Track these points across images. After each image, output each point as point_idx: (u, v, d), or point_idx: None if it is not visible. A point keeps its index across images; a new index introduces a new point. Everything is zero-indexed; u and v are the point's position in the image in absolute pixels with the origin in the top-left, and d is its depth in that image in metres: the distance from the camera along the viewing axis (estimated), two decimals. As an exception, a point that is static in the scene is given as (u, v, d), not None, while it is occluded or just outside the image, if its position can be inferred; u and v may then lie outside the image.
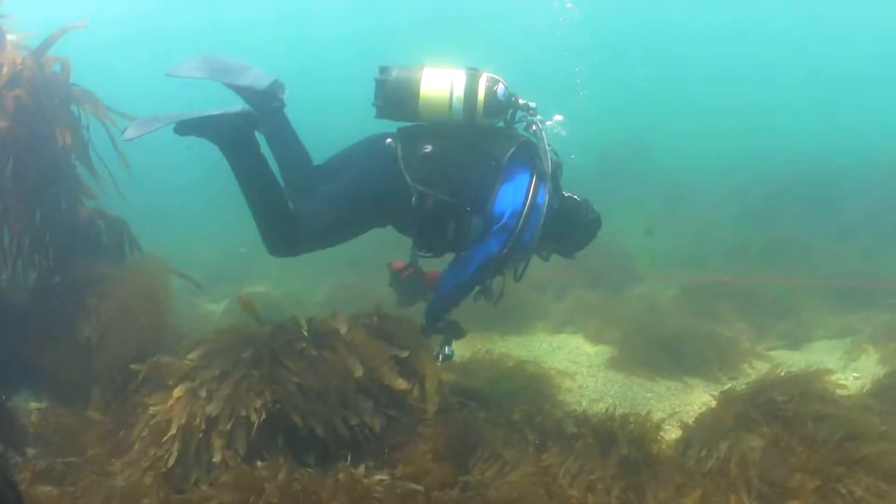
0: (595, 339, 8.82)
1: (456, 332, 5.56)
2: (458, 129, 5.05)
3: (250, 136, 4.77)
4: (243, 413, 4.02)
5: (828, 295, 10.29)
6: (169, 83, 5.21)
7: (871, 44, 40.47)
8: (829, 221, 13.96)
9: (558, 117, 5.51)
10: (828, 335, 9.09)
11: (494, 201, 4.96)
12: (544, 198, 5.01)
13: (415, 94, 4.94)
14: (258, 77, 5.13)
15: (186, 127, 4.58)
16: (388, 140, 5.06)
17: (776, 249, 12.25)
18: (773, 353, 8.19)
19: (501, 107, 5.07)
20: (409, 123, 5.22)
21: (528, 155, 5.10)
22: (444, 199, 4.92)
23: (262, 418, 4.02)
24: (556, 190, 5.26)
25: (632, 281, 11.21)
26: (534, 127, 5.14)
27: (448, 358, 5.50)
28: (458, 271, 5.15)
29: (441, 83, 4.94)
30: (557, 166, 5.23)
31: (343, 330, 4.62)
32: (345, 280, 10.82)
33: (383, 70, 5.02)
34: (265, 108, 5.15)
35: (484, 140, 5.06)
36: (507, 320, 9.11)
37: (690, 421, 5.53)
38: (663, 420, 5.49)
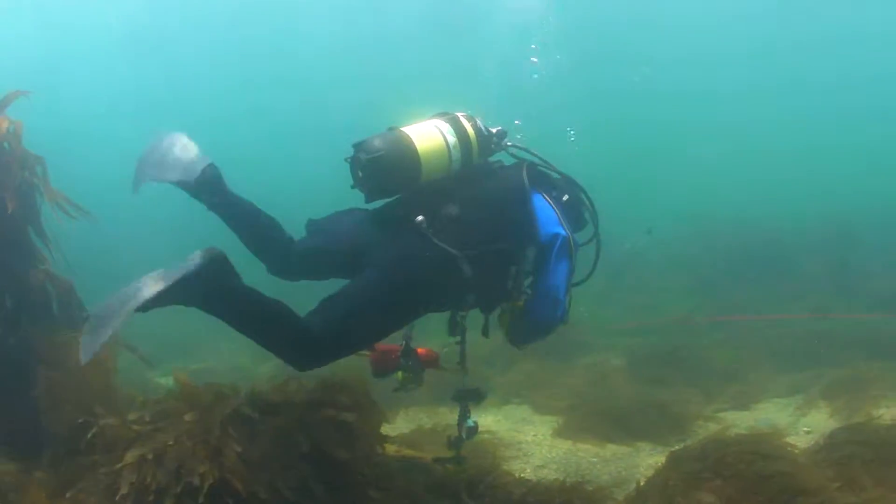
0: (542, 409, 8.92)
1: (477, 397, 5.48)
2: (458, 179, 4.76)
3: (223, 279, 4.16)
4: (189, 479, 4.04)
5: (776, 356, 10.45)
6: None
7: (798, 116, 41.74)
8: (778, 286, 14.18)
9: (516, 122, 5.48)
10: (778, 394, 9.22)
11: (539, 225, 4.74)
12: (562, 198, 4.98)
13: (414, 157, 4.49)
14: (188, 168, 4.79)
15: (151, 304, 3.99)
16: (419, 218, 4.50)
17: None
18: (722, 415, 8.31)
19: (490, 140, 4.88)
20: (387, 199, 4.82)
21: (533, 169, 4.99)
22: (500, 248, 4.64)
23: (209, 483, 4.03)
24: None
25: (580, 350, 11.21)
26: (510, 143, 5.03)
27: (473, 431, 5.44)
28: (550, 304, 4.85)
29: (432, 136, 4.58)
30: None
31: (286, 398, 4.67)
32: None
33: (361, 145, 4.51)
34: (208, 200, 4.81)
35: (490, 176, 4.90)
36: (450, 392, 9.06)
37: (640, 482, 5.56)
38: (611, 483, 5.46)
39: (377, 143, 4.44)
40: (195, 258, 3.99)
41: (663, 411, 7.94)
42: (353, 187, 4.59)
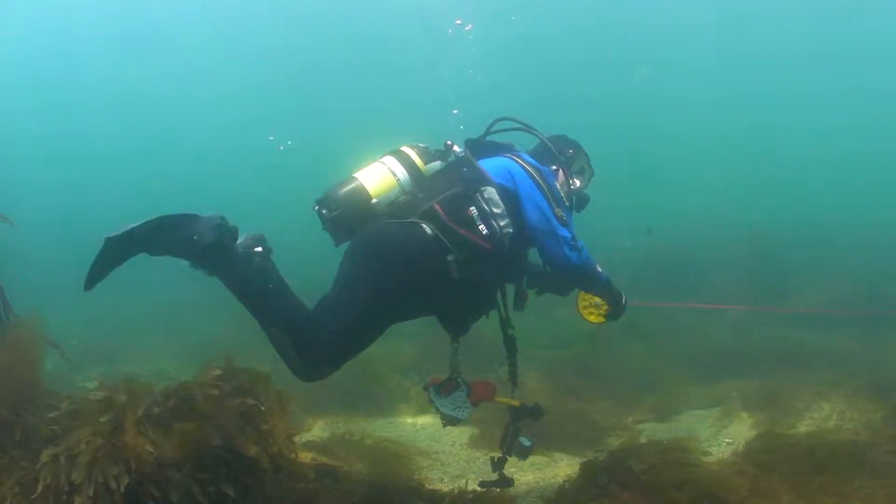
0: (458, 419, 8.79)
1: (536, 413, 5.65)
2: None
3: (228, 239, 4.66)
4: (101, 480, 4.12)
5: (698, 368, 10.60)
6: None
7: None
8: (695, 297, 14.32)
9: (454, 111, 5.78)
10: (699, 405, 9.39)
11: (487, 171, 5.14)
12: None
13: (367, 204, 5.05)
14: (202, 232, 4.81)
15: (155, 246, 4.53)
16: (424, 228, 4.92)
17: (644, 327, 12.45)
18: (641, 426, 8.43)
19: (437, 157, 5.34)
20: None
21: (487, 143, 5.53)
22: (453, 194, 5.01)
23: (124, 484, 4.11)
24: None
25: (500, 360, 11.25)
26: (459, 150, 5.38)
27: (527, 450, 5.61)
28: (549, 240, 5.12)
29: (383, 179, 5.13)
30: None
31: (198, 396, 4.71)
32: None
33: (323, 201, 5.09)
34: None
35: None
36: (370, 401, 9.27)
37: (553, 494, 5.64)
38: (528, 492, 5.51)
39: (336, 198, 5.04)
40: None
41: (582, 422, 8.03)
42: (323, 229, 5.14)
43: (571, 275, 5.34)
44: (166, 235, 4.51)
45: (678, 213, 24.25)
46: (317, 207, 5.09)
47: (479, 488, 5.53)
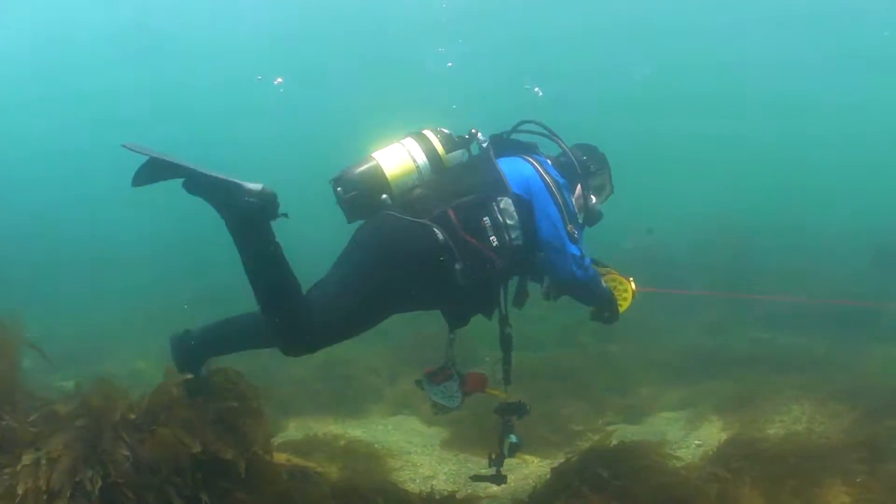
0: (430, 420, 9.06)
1: (520, 411, 5.70)
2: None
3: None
4: (79, 479, 4.17)
5: (668, 369, 10.76)
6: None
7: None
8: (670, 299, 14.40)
9: (454, 106, 5.76)
10: (670, 408, 9.52)
11: (506, 178, 5.10)
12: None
13: (384, 187, 5.01)
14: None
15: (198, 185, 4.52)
16: (437, 232, 4.86)
17: (616, 329, 12.50)
18: (612, 428, 8.33)
19: (459, 145, 5.30)
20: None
21: (509, 140, 5.46)
22: (470, 201, 4.96)
23: (98, 487, 4.15)
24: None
25: (470, 362, 11.30)
26: (480, 136, 5.37)
27: (516, 447, 5.61)
28: (556, 256, 5.11)
29: (401, 161, 5.07)
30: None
31: (174, 399, 4.78)
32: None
33: (338, 180, 5.07)
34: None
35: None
36: (343, 403, 9.33)
37: (524, 496, 5.77)
38: (500, 494, 5.59)
39: (352, 178, 5.02)
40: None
41: (553, 425, 8.11)
42: (337, 204, 5.11)
43: (573, 291, 5.34)
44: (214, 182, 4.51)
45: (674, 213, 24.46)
46: (332, 183, 5.09)
47: (447, 490, 5.60)
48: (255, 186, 4.47)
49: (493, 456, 5.71)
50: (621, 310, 5.64)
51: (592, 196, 5.55)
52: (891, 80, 39.53)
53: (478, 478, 5.79)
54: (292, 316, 4.66)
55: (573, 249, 5.05)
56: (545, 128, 5.48)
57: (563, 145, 5.47)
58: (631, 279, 5.66)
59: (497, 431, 5.71)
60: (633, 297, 5.65)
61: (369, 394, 10.06)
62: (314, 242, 9.17)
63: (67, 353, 11.41)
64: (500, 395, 5.66)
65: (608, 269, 5.69)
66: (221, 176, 4.45)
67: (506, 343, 5.61)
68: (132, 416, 4.60)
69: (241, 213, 4.48)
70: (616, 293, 5.61)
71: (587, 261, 5.18)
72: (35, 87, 42.33)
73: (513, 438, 5.58)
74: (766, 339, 12.20)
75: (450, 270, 4.78)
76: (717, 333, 12.75)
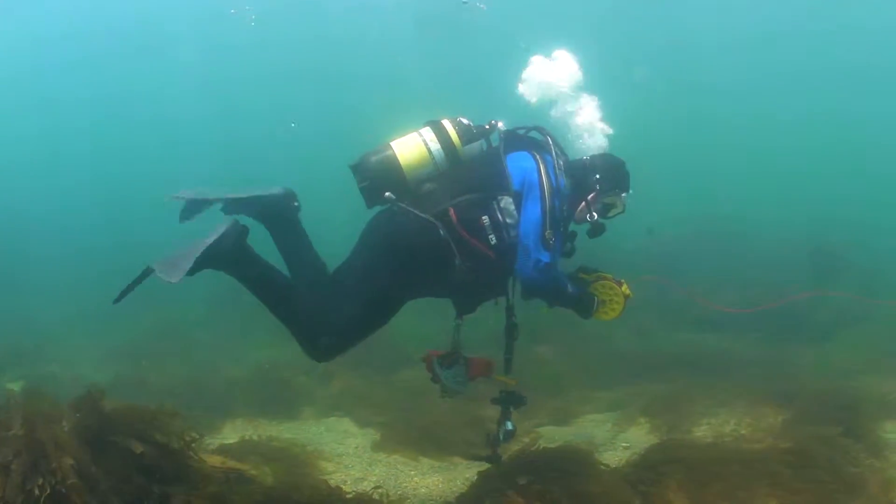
0: (362, 422, 9.30)
1: (517, 401, 5.83)
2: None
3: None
4: (28, 487, 4.28)
5: (598, 372, 10.92)
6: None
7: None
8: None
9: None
10: (598, 410, 9.68)
11: (509, 175, 5.28)
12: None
13: (399, 175, 5.26)
14: (267, 187, 5.56)
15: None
16: (439, 229, 5.16)
17: (548, 332, 12.59)
18: (540, 430, 8.65)
19: (477, 135, 5.46)
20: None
21: (519, 137, 5.61)
22: (472, 199, 5.21)
23: (46, 494, 4.25)
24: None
25: (402, 363, 11.43)
26: (500, 125, 5.53)
27: (510, 434, 5.78)
28: (523, 257, 5.23)
29: (416, 150, 5.29)
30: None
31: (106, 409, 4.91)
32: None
33: (356, 168, 5.37)
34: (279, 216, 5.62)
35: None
36: (275, 405, 9.44)
37: (452, 498, 5.98)
38: (428, 497, 5.73)
39: (368, 166, 5.31)
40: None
41: (482, 427, 8.24)
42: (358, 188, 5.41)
43: (532, 292, 5.42)
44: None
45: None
46: (352, 169, 5.40)
47: (378, 493, 5.74)
48: (276, 190, 5.26)
49: (490, 435, 5.90)
50: (608, 317, 5.75)
51: (594, 213, 5.56)
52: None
53: (475, 457, 6.01)
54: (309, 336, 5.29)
55: (540, 254, 5.13)
56: (552, 138, 5.56)
57: (563, 158, 5.52)
58: (623, 284, 5.70)
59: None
60: (627, 300, 5.70)
61: (303, 395, 10.27)
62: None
63: (9, 354, 11.55)
64: (507, 381, 5.81)
65: (599, 275, 5.74)
66: (244, 195, 5.15)
67: (510, 332, 5.79)
68: (65, 426, 4.74)
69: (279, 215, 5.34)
70: (605, 297, 5.68)
71: (556, 271, 5.31)
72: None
73: (509, 425, 5.77)
74: (697, 341, 12.43)
75: (450, 266, 5.09)
76: (647, 336, 12.93)
